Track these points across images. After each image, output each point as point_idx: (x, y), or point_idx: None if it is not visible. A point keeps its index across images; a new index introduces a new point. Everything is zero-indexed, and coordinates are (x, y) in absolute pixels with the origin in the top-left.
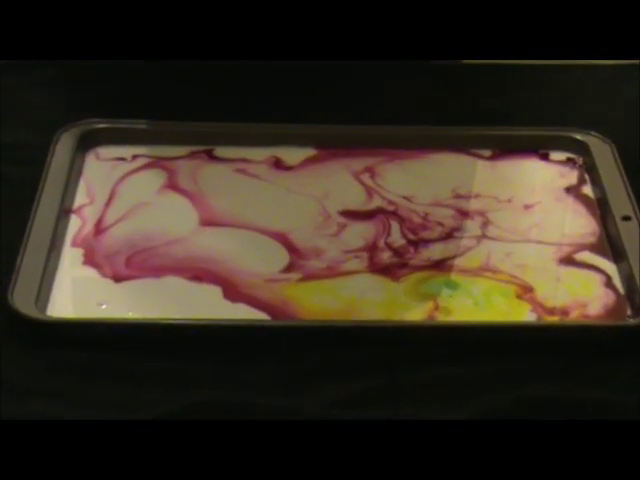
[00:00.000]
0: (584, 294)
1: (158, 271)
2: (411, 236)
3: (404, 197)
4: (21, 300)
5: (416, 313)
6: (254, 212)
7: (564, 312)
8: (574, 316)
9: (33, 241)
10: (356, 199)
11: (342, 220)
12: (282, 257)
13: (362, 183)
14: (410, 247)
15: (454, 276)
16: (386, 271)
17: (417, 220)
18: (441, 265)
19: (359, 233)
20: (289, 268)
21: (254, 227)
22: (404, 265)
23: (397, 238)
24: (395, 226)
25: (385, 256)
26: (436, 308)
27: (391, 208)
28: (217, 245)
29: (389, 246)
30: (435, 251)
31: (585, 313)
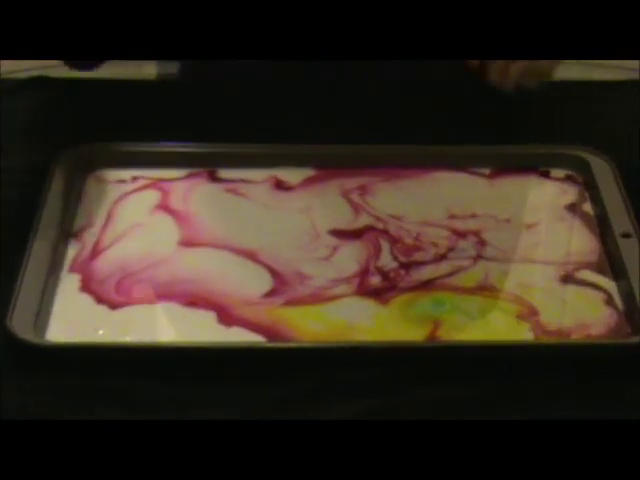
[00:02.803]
0: (585, 314)
1: (147, 297)
2: (402, 258)
3: (392, 216)
4: (20, 325)
5: (410, 334)
6: (239, 232)
7: (566, 333)
8: (575, 336)
9: (32, 266)
10: (343, 217)
11: (331, 241)
12: (266, 281)
13: (349, 201)
14: (401, 270)
15: (442, 294)
16: (374, 294)
17: (409, 241)
18: (429, 285)
19: (349, 255)
20: (273, 293)
21: (237, 248)
22: (393, 288)
23: (388, 261)
24: (386, 247)
25: (375, 281)
26: (435, 328)
27: (380, 226)
28: (201, 266)
29: (379, 270)
30: (426, 272)
31: (586, 333)
